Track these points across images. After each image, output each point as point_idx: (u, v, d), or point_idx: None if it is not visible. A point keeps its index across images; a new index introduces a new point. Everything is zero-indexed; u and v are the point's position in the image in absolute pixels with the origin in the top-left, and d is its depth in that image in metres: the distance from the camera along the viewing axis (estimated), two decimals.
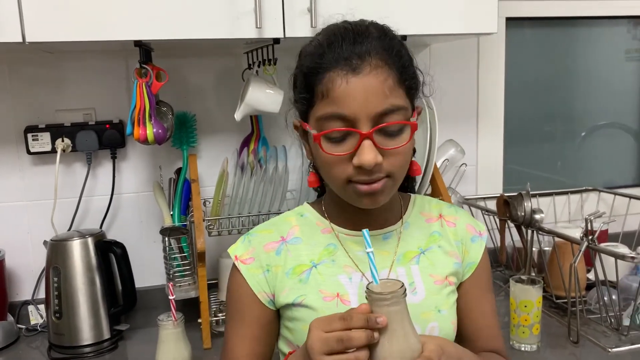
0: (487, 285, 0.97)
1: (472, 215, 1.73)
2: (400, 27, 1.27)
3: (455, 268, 0.93)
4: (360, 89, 0.77)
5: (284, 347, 0.92)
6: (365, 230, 0.74)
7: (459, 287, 0.94)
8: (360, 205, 0.83)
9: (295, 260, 0.89)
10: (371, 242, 0.84)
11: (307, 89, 0.82)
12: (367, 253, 0.73)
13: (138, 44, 1.26)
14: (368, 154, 0.77)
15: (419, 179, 1.44)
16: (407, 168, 0.86)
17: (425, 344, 0.71)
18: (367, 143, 0.77)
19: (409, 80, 0.82)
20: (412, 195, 0.99)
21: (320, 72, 0.79)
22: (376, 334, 0.69)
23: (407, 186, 1.01)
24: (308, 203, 0.98)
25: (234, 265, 0.92)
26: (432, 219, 0.96)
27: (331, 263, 0.89)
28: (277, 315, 0.91)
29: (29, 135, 1.46)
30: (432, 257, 0.92)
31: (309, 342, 0.71)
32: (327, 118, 0.79)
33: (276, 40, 1.27)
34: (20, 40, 1.11)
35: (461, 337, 0.94)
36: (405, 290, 0.71)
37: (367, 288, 0.71)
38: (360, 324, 0.69)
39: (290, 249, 0.91)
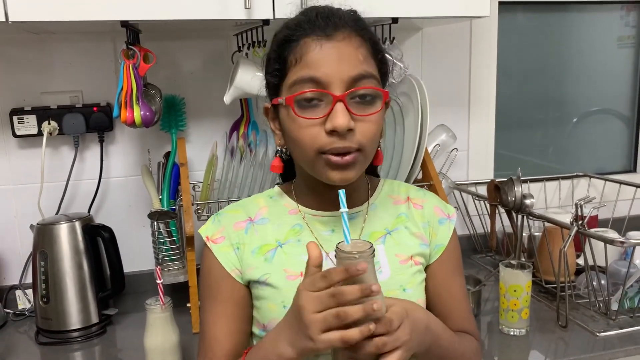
0: (457, 267, 0.98)
1: (463, 200, 1.75)
2: (392, 9, 1.28)
3: (422, 249, 0.94)
4: (335, 53, 0.79)
5: (252, 327, 0.93)
6: (341, 191, 0.75)
7: (427, 269, 0.95)
8: (330, 180, 0.83)
9: (262, 240, 0.91)
10: (337, 222, 0.88)
11: (279, 60, 0.83)
12: (342, 213, 0.74)
13: (125, 24, 1.23)
14: (341, 117, 0.78)
15: (406, 166, 1.43)
16: (376, 144, 0.86)
17: (390, 307, 0.72)
18: (339, 106, 0.78)
19: (380, 56, 0.85)
20: (382, 179, 1.00)
21: (294, 40, 0.81)
22: (376, 305, 0.68)
23: (372, 171, 1.01)
24: (278, 185, 0.99)
25: (205, 245, 0.92)
26: (400, 201, 0.97)
27: (296, 243, 0.90)
28: (250, 292, 0.92)
29: (15, 118, 1.43)
30: (397, 238, 0.93)
31: (299, 302, 0.71)
32: (300, 82, 0.80)
33: (266, 22, 1.25)
34: (4, 19, 1.09)
35: None
36: (374, 250, 0.72)
37: (337, 247, 0.72)
38: (340, 277, 0.69)
39: (257, 228, 0.92)
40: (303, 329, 0.70)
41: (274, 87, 0.85)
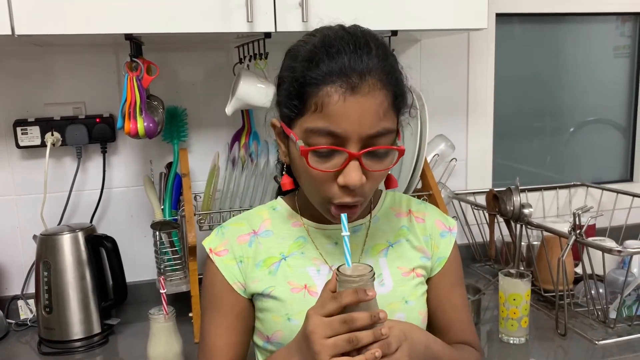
0: (458, 279, 0.99)
1: (462, 209, 1.77)
2: (391, 22, 1.30)
3: (423, 262, 0.95)
4: (357, 109, 0.76)
5: (255, 338, 0.94)
6: (343, 215, 0.76)
7: (429, 281, 0.97)
8: (333, 220, 0.85)
9: (266, 253, 0.91)
10: (340, 235, 0.86)
11: (298, 98, 0.79)
12: (343, 236, 0.75)
13: (129, 37, 1.25)
14: (355, 176, 0.77)
15: (406, 176, 1.44)
16: None
17: (389, 329, 0.73)
18: (354, 164, 0.77)
19: (401, 103, 0.82)
20: (384, 191, 1.01)
21: (316, 84, 0.77)
22: (384, 330, 0.71)
23: None
24: (281, 197, 0.99)
25: (208, 257, 0.93)
26: (402, 214, 0.98)
27: (300, 255, 0.91)
28: (251, 304, 0.93)
29: (18, 129, 1.45)
30: (399, 250, 0.94)
31: (310, 328, 0.72)
32: (317, 132, 0.77)
33: (267, 35, 1.27)
34: (10, 33, 1.10)
35: (433, 330, 0.96)
36: (374, 274, 0.73)
37: (338, 270, 0.74)
38: (349, 299, 0.71)
39: (261, 241, 0.93)
40: (313, 354, 0.71)
41: (287, 117, 0.83)
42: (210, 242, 0.94)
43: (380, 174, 0.82)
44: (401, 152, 0.82)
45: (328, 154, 0.78)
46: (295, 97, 0.79)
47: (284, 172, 0.92)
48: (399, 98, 0.81)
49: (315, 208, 0.91)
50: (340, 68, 0.76)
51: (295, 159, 0.83)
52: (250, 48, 1.39)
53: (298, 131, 0.80)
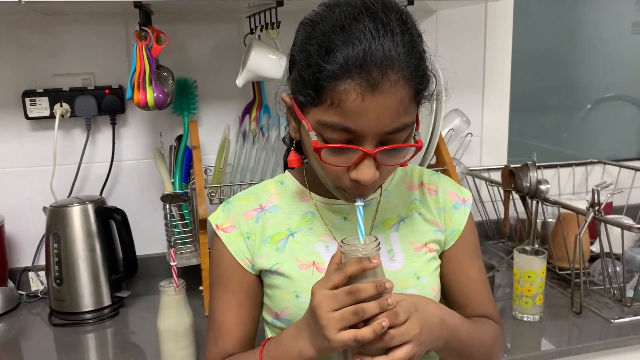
0: (474, 252, 0.96)
1: (476, 186, 1.74)
2: None
3: (437, 236, 0.92)
4: (376, 108, 0.70)
5: (264, 314, 0.93)
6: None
7: (444, 255, 0.94)
8: (346, 202, 0.83)
9: (273, 229, 0.89)
10: (349, 210, 0.87)
11: (313, 89, 0.72)
12: (357, 206, 0.74)
13: (138, 5, 1.22)
14: (368, 173, 0.74)
15: (419, 155, 1.41)
16: None
17: (398, 302, 0.71)
18: (368, 162, 0.74)
19: (423, 95, 0.77)
20: None
21: (333, 77, 0.70)
22: (390, 300, 0.69)
23: None
24: (289, 171, 0.96)
25: (215, 234, 0.91)
26: (414, 187, 0.95)
27: (308, 231, 0.89)
28: (260, 280, 0.91)
29: (27, 100, 1.43)
30: (411, 224, 0.92)
31: (315, 303, 0.71)
32: (332, 126, 0.72)
33: (280, 3, 1.23)
34: None
35: (450, 305, 0.94)
36: (379, 243, 0.72)
37: (342, 242, 0.73)
38: (353, 268, 0.70)
39: (268, 217, 0.90)
40: (320, 329, 0.70)
41: (301, 103, 0.76)
42: (217, 218, 0.92)
43: (394, 167, 0.79)
44: (419, 148, 0.77)
45: (341, 149, 0.74)
46: (310, 87, 0.73)
47: (292, 148, 0.90)
48: (422, 92, 0.75)
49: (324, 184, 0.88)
50: (359, 59, 0.69)
51: (306, 142, 0.80)
52: (261, 18, 1.36)
53: (311, 120, 0.75)
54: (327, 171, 0.78)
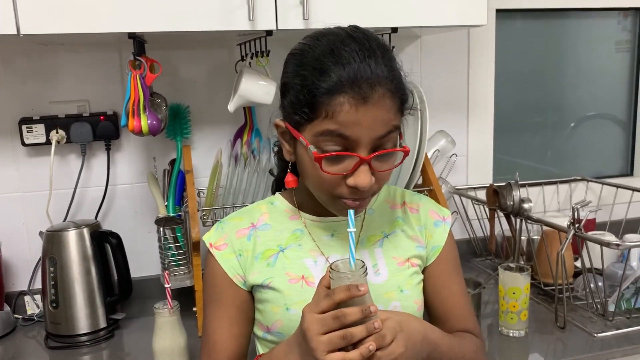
0: (455, 267, 1.01)
1: (462, 204, 1.78)
2: (391, 19, 1.31)
3: (418, 251, 0.97)
4: (368, 117, 0.79)
5: (256, 329, 0.97)
6: (351, 211, 0.79)
7: (426, 270, 0.99)
8: (338, 214, 0.89)
9: (264, 245, 0.94)
10: (336, 227, 0.93)
11: (309, 106, 0.81)
12: (350, 232, 0.77)
13: (132, 36, 1.26)
14: (365, 178, 0.81)
15: (407, 172, 1.46)
16: None
17: (384, 321, 0.75)
18: (364, 167, 0.81)
19: (405, 104, 0.86)
20: None
21: (328, 94, 0.79)
22: (376, 324, 0.73)
23: None
24: (279, 193, 1.02)
25: (208, 252, 0.96)
26: (397, 206, 1.01)
27: (297, 247, 0.94)
28: (251, 297, 0.96)
29: (24, 127, 1.47)
30: (394, 240, 0.97)
31: (305, 325, 0.75)
32: (328, 134, 0.80)
33: (269, 33, 1.28)
34: (15, 32, 1.12)
35: (433, 320, 0.99)
36: (366, 269, 0.76)
37: (331, 267, 0.76)
38: (342, 295, 0.73)
39: (259, 234, 0.95)
40: (310, 351, 0.74)
41: (296, 122, 0.84)
42: (210, 237, 0.97)
43: (387, 172, 0.85)
44: (406, 153, 0.85)
45: (339, 157, 0.81)
46: (305, 105, 0.81)
47: (288, 170, 0.94)
48: (404, 103, 0.85)
49: (313, 203, 0.93)
50: (351, 77, 0.78)
51: (303, 159, 0.86)
52: (252, 46, 1.40)
53: (308, 135, 0.82)
54: (325, 181, 0.83)
